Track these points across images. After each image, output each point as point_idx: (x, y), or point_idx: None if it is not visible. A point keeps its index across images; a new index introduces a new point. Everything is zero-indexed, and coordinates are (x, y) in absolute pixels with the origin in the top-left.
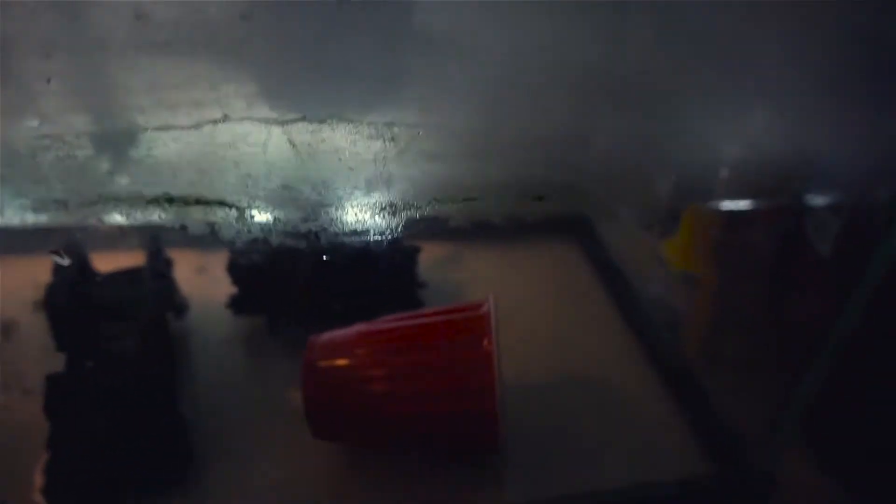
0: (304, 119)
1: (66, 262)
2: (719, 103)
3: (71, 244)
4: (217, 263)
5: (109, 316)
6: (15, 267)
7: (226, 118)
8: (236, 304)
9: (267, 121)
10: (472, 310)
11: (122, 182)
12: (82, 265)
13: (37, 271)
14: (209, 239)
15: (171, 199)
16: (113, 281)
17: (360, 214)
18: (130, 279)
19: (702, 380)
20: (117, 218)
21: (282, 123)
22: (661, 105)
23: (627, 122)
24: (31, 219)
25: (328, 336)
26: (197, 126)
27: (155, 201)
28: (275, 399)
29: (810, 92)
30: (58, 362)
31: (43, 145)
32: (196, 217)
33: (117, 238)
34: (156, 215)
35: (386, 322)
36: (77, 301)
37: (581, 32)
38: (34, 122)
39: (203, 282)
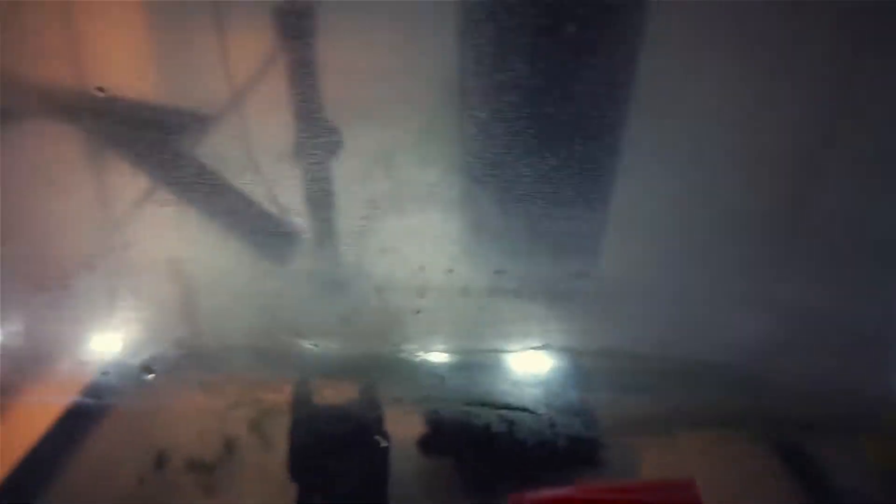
0: None
1: (384, 443)
2: None
3: (303, 384)
4: None
5: (336, 452)
6: (236, 384)
7: (546, 346)
8: (425, 445)
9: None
10: (679, 491)
11: (450, 386)
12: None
13: (255, 390)
14: None
15: (483, 403)
16: (338, 416)
17: None
18: (351, 414)
19: None
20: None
21: None
22: None
23: None
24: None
25: (531, 498)
26: (521, 350)
27: (471, 404)
28: None
29: None
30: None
31: None
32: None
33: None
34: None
35: (590, 491)
36: (311, 438)
37: None
38: None
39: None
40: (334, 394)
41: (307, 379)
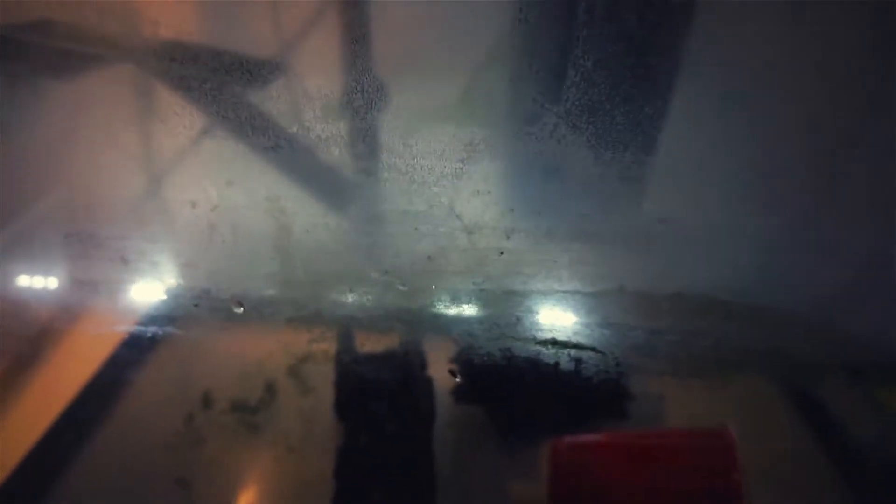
0: None
1: (458, 378)
2: None
3: (344, 328)
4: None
5: (382, 396)
6: (272, 334)
7: (621, 289)
8: (458, 393)
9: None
10: (714, 438)
11: (525, 325)
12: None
13: (289, 340)
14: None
15: (555, 342)
16: (382, 363)
17: None
18: (394, 361)
19: None
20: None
21: None
22: None
23: None
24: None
25: (572, 442)
26: (596, 292)
27: (542, 343)
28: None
29: None
30: (318, 427)
31: None
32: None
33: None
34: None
35: (627, 437)
36: (358, 381)
37: None
38: None
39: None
40: (411, 328)
41: (390, 313)
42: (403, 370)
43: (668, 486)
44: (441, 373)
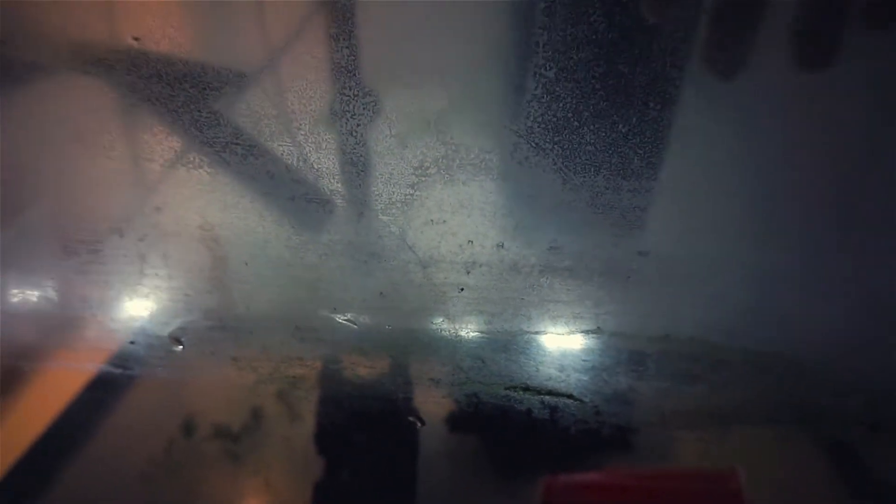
0: None
1: (419, 424)
2: None
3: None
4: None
5: (364, 426)
6: (267, 359)
7: (598, 330)
8: (453, 422)
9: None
10: (719, 480)
11: (492, 369)
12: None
13: (287, 366)
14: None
15: (526, 388)
16: (366, 391)
17: None
18: (381, 391)
19: None
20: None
21: None
22: None
23: None
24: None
25: (566, 481)
26: (570, 333)
27: (512, 388)
28: None
29: None
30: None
31: None
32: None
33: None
34: (505, 399)
35: (626, 476)
36: (338, 412)
37: None
38: None
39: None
40: (367, 371)
41: (340, 354)
42: (388, 404)
43: None
44: (433, 410)
